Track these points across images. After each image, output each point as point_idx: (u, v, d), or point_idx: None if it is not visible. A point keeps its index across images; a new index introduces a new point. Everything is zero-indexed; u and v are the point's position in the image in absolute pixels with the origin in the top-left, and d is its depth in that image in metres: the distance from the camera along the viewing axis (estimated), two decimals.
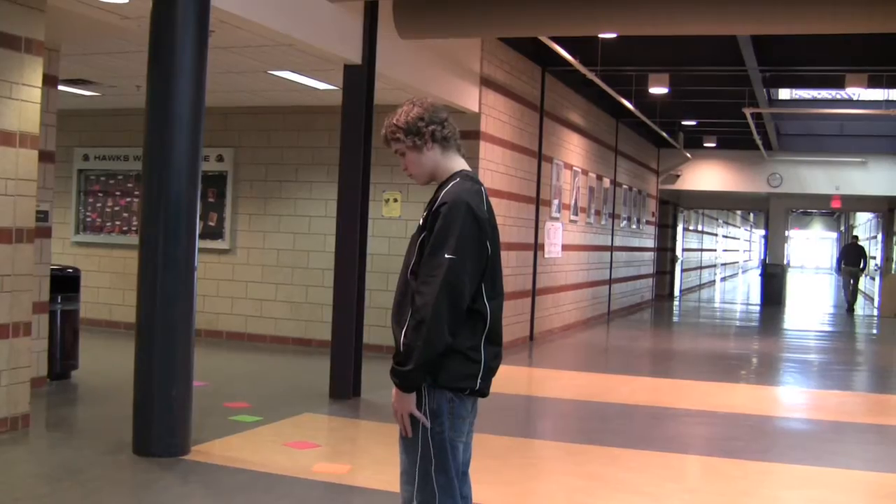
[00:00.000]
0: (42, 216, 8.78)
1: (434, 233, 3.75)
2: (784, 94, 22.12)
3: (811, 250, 70.92)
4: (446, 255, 3.68)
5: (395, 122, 3.99)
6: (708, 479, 7.56)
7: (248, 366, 12.23)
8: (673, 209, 30.69)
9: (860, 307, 28.20)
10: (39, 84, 7.71)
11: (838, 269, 29.78)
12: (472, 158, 12.99)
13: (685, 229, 33.95)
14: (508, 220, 14.30)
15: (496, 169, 13.72)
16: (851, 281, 27.34)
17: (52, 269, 9.60)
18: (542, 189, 15.87)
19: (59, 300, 9.93)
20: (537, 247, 15.80)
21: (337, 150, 10.13)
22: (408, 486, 3.87)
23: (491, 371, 3.92)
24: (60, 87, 9.78)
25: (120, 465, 6.92)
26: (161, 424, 7.14)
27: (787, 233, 33.24)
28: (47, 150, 8.84)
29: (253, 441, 7.87)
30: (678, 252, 31.92)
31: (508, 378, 11.92)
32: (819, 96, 22.36)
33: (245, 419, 8.59)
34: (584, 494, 6.74)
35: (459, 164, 4.04)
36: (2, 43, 7.30)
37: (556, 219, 16.78)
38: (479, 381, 3.85)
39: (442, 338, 3.69)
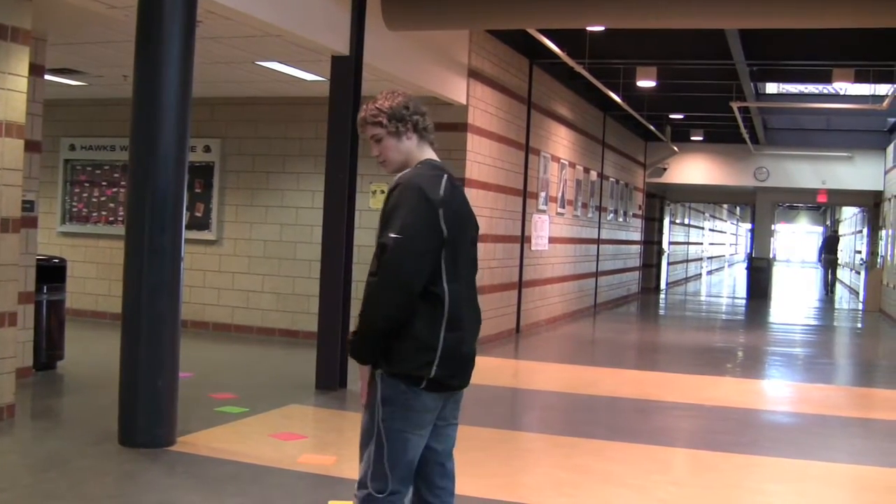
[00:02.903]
0: (28, 206, 8.73)
1: (384, 213, 3.83)
2: (771, 88, 22.17)
3: (797, 244, 71.09)
4: (391, 235, 3.73)
5: (378, 105, 4.05)
6: (693, 471, 7.58)
7: (235, 357, 12.22)
8: (660, 202, 30.73)
9: (846, 302, 28.39)
10: (26, 73, 7.66)
11: (819, 258, 35.20)
12: (460, 150, 12.99)
13: (672, 222, 34.02)
14: (496, 213, 14.30)
15: (483, 161, 13.71)
16: (830, 269, 32.14)
17: (38, 259, 9.57)
18: (530, 181, 15.87)
19: (45, 290, 9.89)
20: (524, 239, 15.80)
21: (324, 141, 10.11)
22: (363, 463, 3.94)
23: (453, 359, 3.87)
24: (47, 77, 9.74)
25: (105, 456, 6.90)
26: (147, 415, 7.12)
27: (773, 227, 33.38)
28: (33, 139, 8.79)
29: (239, 432, 7.85)
30: (665, 245, 32.00)
31: (494, 370, 11.94)
32: (806, 91, 22.41)
33: (231, 410, 8.57)
34: (570, 487, 6.75)
35: (429, 155, 4.10)
36: None
37: (543, 211, 16.79)
38: (434, 368, 3.81)
39: (383, 314, 3.74)
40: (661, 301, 27.27)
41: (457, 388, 3.99)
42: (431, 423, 3.97)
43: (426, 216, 3.79)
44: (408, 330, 3.78)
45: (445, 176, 3.97)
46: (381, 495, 3.88)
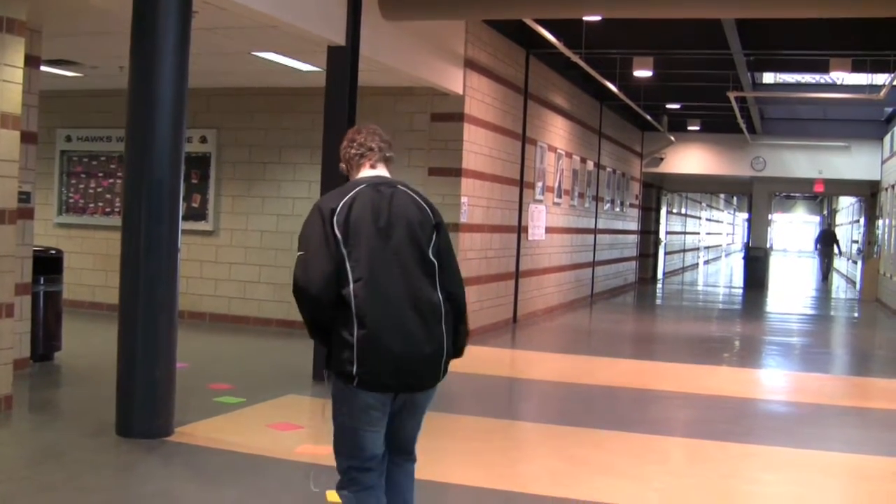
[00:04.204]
0: (24, 197, 8.74)
1: None
2: (768, 77, 22.15)
3: (794, 234, 71.11)
4: (298, 253, 4.17)
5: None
6: (690, 461, 7.60)
7: (232, 347, 12.23)
8: (657, 192, 30.74)
9: (843, 292, 28.50)
10: (21, 64, 7.66)
11: (815, 250, 40.11)
12: (456, 140, 12.99)
13: (669, 212, 34.02)
14: (492, 203, 14.30)
15: (480, 151, 13.70)
16: (826, 260, 34.88)
17: (35, 251, 9.57)
18: (526, 171, 15.87)
19: (42, 282, 9.89)
20: (521, 229, 15.81)
21: (320, 132, 10.09)
22: None
23: (375, 357, 4.05)
24: (43, 68, 9.72)
25: (103, 447, 6.91)
26: (144, 406, 7.13)
27: (770, 216, 33.45)
28: (29, 130, 8.77)
29: (236, 423, 7.87)
30: (661, 235, 32.00)
31: (491, 360, 11.96)
32: (803, 80, 22.39)
33: (228, 401, 8.59)
34: (566, 476, 6.77)
35: (362, 174, 4.44)
36: None
37: (540, 201, 16.79)
38: (355, 366, 4.04)
39: (304, 320, 4.22)
40: (658, 291, 27.29)
41: (396, 388, 4.15)
42: (381, 420, 4.20)
43: (319, 229, 4.13)
44: (335, 330, 4.10)
45: (359, 191, 4.25)
46: (346, 479, 4.29)
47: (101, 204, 14.78)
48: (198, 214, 14.14)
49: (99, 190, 14.80)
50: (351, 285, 4.04)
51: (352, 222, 4.11)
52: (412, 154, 12.98)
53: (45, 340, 9.96)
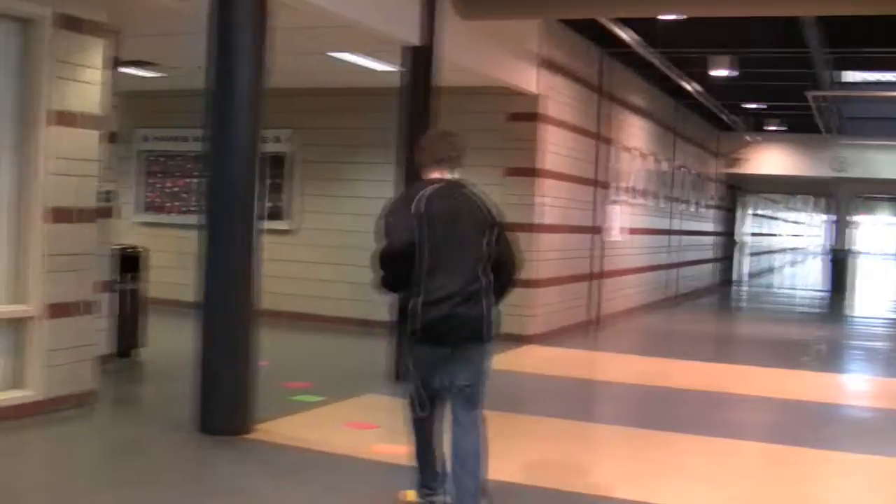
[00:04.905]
0: (106, 196, 8.88)
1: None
2: (849, 76, 21.74)
3: (878, 236, 69.77)
4: (382, 232, 5.32)
5: None
6: (767, 465, 7.50)
7: (311, 346, 12.34)
8: (736, 193, 30.35)
9: None
10: (100, 66, 7.79)
11: None
12: (532, 140, 12.96)
13: (748, 214, 33.59)
14: (570, 203, 14.24)
15: (556, 151, 13.65)
16: None
17: (117, 249, 9.73)
18: (602, 171, 15.79)
19: (125, 279, 10.06)
20: (598, 230, 15.73)
21: (395, 131, 10.13)
22: None
23: (429, 316, 5.18)
24: (122, 69, 9.87)
25: (182, 443, 7.02)
26: (224, 403, 7.23)
27: (853, 218, 32.82)
28: (109, 131, 8.93)
29: (314, 421, 7.95)
30: (741, 237, 31.61)
31: (568, 361, 11.93)
32: (884, 79, 21.95)
33: (306, 399, 8.67)
34: (643, 479, 6.72)
35: (430, 175, 5.43)
36: (64, 25, 7.41)
37: (617, 202, 16.69)
38: (419, 324, 5.22)
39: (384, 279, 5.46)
40: (737, 293, 26.99)
41: (452, 343, 5.24)
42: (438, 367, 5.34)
43: (401, 212, 5.26)
44: (406, 298, 5.30)
45: (431, 188, 5.30)
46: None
47: (177, 203, 15.00)
48: (277, 214, 14.27)
49: (175, 189, 15.02)
50: (424, 265, 5.11)
51: (427, 214, 5.14)
52: (488, 154, 12.94)
53: (128, 337, 10.12)
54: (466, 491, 5.17)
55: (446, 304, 5.12)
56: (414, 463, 5.62)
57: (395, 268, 5.21)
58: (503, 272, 5.34)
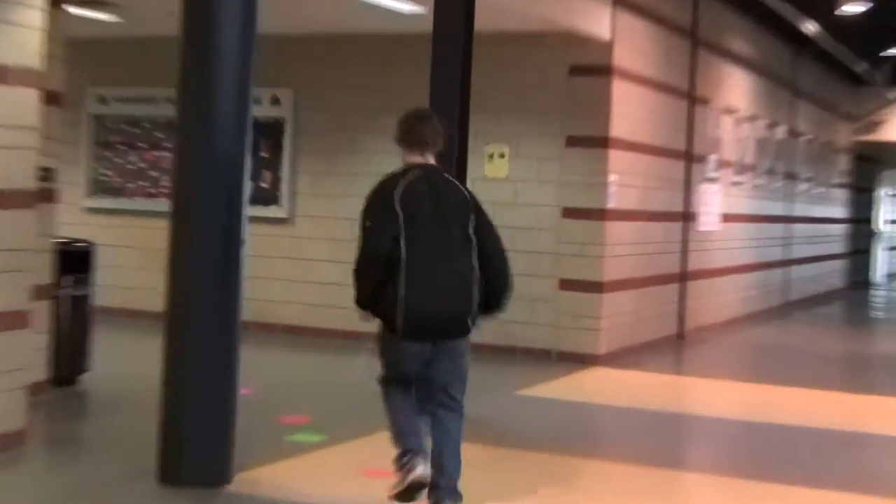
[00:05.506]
0: (46, 175, 8.87)
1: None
2: None
3: None
4: (366, 224, 6.48)
5: None
6: None
7: (311, 368, 12.36)
8: (873, 168, 30.21)
9: None
10: (40, 4, 7.77)
11: None
12: (601, 101, 12.88)
13: (889, 195, 33.40)
14: (650, 182, 14.20)
15: (633, 114, 13.58)
16: None
17: (59, 243, 9.75)
18: (695, 141, 15.73)
19: (67, 283, 10.07)
20: (689, 217, 15.67)
21: (424, 90, 10.07)
22: None
23: (411, 309, 6.21)
24: (70, 9, 9.87)
25: (140, 497, 7.00)
26: (195, 444, 7.20)
27: None
28: (53, 90, 8.93)
29: (315, 467, 7.94)
30: (879, 225, 31.44)
31: (649, 388, 11.88)
32: None
33: (305, 438, 8.66)
34: None
35: (414, 160, 6.57)
36: None
37: (714, 180, 16.63)
38: (399, 318, 6.26)
39: (364, 283, 6.58)
40: (874, 299, 26.84)
41: (433, 337, 6.35)
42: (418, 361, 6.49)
43: (381, 203, 6.34)
44: (386, 290, 6.29)
45: (411, 174, 6.42)
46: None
47: (142, 183, 15.03)
48: (268, 197, 14.29)
49: (141, 165, 15.06)
50: (404, 255, 6.11)
51: (409, 202, 6.20)
52: (544, 118, 12.91)
53: (69, 359, 10.13)
54: (443, 491, 6.44)
55: (431, 296, 6.14)
56: (393, 438, 6.65)
57: (376, 279, 6.24)
58: (494, 275, 6.42)
